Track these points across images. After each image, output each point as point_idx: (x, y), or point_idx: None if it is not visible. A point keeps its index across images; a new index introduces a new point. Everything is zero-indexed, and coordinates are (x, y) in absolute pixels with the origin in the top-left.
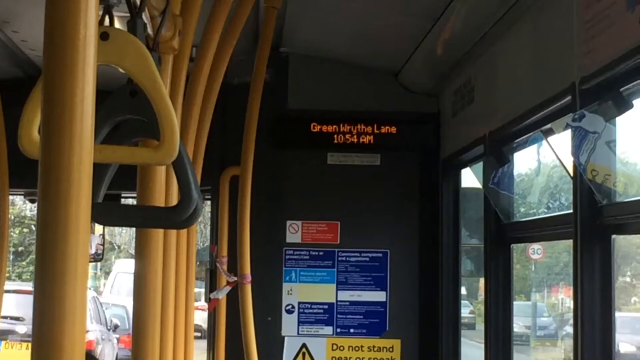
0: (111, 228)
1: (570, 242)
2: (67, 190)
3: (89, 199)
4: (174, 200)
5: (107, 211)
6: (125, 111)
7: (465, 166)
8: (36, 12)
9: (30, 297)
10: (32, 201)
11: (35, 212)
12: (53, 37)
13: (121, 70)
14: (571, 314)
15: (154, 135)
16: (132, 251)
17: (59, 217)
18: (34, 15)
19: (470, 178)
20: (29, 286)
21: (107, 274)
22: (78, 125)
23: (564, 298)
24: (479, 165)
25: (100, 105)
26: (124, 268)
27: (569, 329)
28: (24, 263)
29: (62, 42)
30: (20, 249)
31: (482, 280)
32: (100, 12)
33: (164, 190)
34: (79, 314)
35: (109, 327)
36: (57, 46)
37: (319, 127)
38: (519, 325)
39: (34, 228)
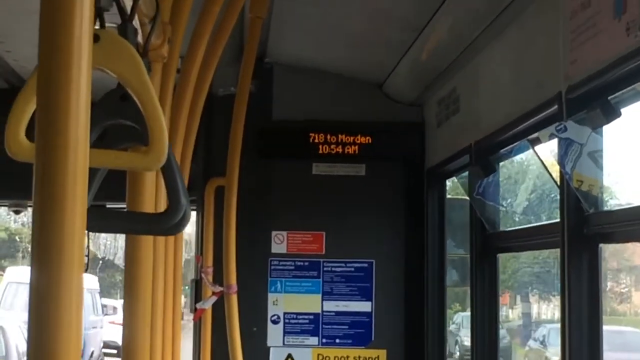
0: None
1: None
2: (62, 194)
3: (85, 203)
4: (162, 208)
5: (95, 216)
6: (115, 116)
7: (450, 176)
8: (22, 23)
9: None
10: (16, 212)
11: (16, 224)
12: (48, 37)
13: (110, 73)
14: (521, 324)
15: (142, 142)
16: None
17: (55, 221)
18: (19, 26)
19: (456, 187)
20: None
21: None
22: (73, 127)
23: (511, 308)
24: (464, 176)
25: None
26: (17, 277)
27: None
28: None
29: (56, 43)
30: None
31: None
32: None
33: (153, 198)
34: (75, 320)
35: None
36: (51, 46)
37: (304, 137)
38: (467, 338)
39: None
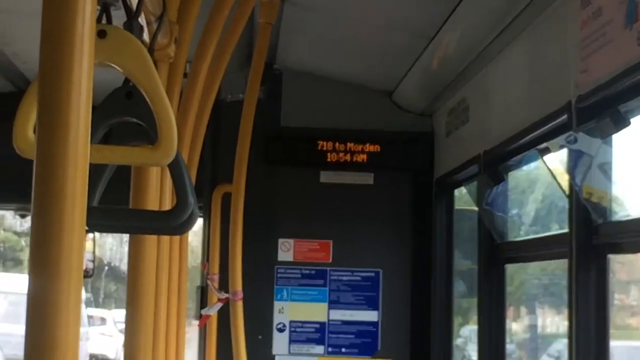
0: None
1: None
2: (62, 191)
3: (84, 200)
4: (167, 208)
5: (99, 215)
6: (121, 113)
7: (459, 186)
8: (29, 25)
9: None
10: (22, 216)
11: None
12: (49, 33)
13: (118, 69)
14: (528, 338)
15: (148, 140)
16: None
17: (53, 218)
18: (26, 28)
19: (463, 197)
20: None
21: None
22: (74, 123)
23: (515, 321)
24: (473, 185)
25: (95, 107)
26: None
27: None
28: None
29: (58, 38)
30: None
31: None
32: (98, 11)
33: (158, 196)
34: (73, 315)
35: None
36: (53, 42)
37: (312, 145)
38: (475, 352)
39: None
